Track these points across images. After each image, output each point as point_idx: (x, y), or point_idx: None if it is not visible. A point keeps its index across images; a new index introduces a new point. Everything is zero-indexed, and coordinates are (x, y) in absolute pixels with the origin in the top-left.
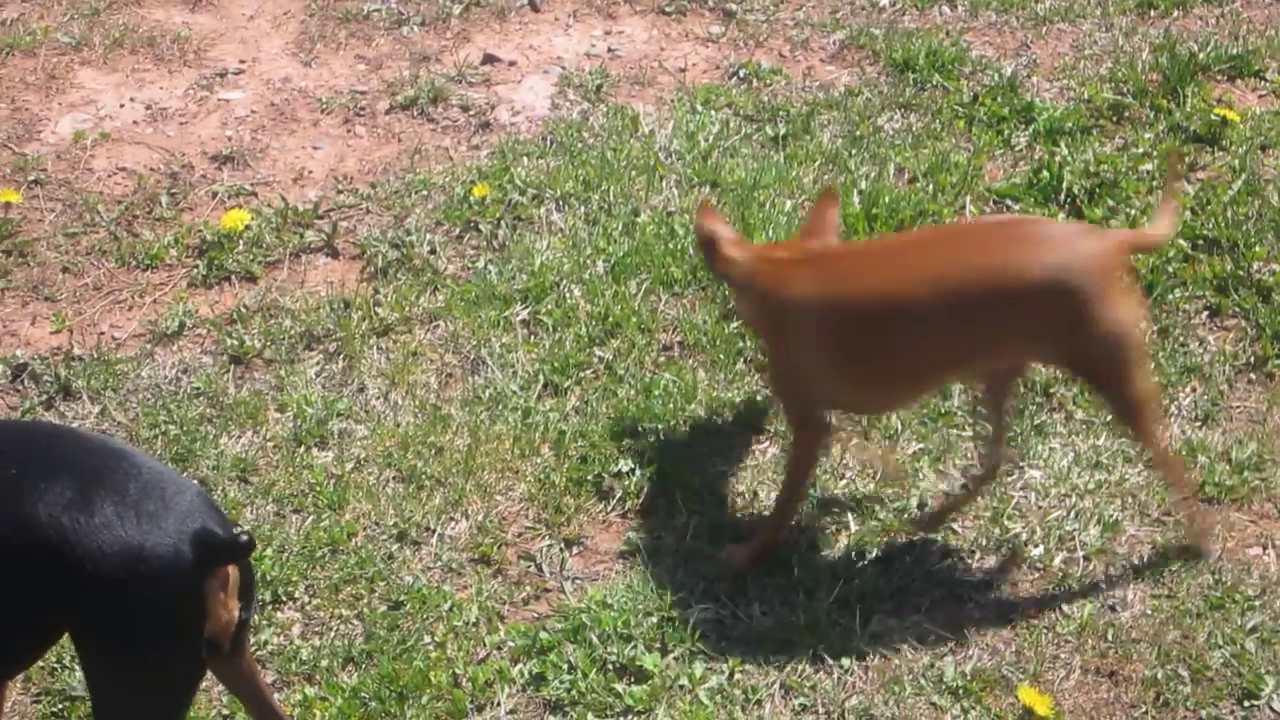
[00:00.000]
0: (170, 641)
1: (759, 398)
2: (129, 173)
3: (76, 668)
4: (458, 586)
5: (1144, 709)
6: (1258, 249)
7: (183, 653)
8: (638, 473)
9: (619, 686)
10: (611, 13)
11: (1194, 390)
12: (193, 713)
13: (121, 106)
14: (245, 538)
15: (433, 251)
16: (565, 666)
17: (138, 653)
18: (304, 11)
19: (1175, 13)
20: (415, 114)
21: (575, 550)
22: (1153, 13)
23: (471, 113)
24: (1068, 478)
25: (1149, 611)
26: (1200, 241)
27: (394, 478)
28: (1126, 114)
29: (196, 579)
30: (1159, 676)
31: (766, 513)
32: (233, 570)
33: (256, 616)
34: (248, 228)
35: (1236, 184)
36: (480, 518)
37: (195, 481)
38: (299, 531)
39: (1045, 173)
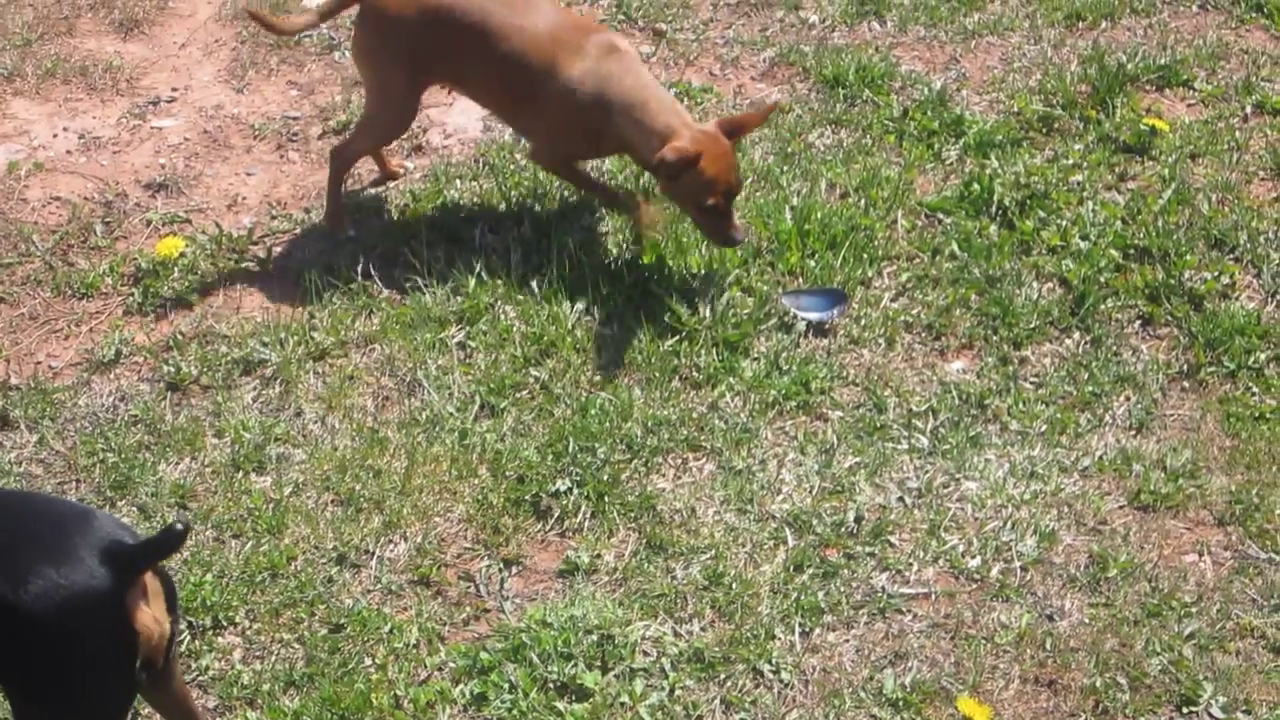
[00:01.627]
0: (100, 667)
1: (694, 414)
2: (63, 202)
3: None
4: (398, 609)
5: (1083, 717)
6: (1189, 258)
7: (115, 677)
8: (575, 492)
9: (560, 705)
10: None
11: (1128, 399)
12: None
13: (55, 136)
14: (180, 525)
15: (367, 275)
16: (506, 686)
17: (69, 687)
18: (235, 39)
19: (1103, 24)
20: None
21: (514, 570)
22: (1081, 24)
23: (404, 137)
24: (1004, 489)
25: (1087, 620)
26: (1132, 251)
27: (332, 501)
28: (1056, 125)
29: (117, 596)
30: (1098, 685)
31: (704, 528)
32: (152, 580)
33: (197, 642)
34: (182, 255)
35: (1167, 193)
36: (419, 539)
37: (89, 505)
38: (238, 556)
39: (976, 185)
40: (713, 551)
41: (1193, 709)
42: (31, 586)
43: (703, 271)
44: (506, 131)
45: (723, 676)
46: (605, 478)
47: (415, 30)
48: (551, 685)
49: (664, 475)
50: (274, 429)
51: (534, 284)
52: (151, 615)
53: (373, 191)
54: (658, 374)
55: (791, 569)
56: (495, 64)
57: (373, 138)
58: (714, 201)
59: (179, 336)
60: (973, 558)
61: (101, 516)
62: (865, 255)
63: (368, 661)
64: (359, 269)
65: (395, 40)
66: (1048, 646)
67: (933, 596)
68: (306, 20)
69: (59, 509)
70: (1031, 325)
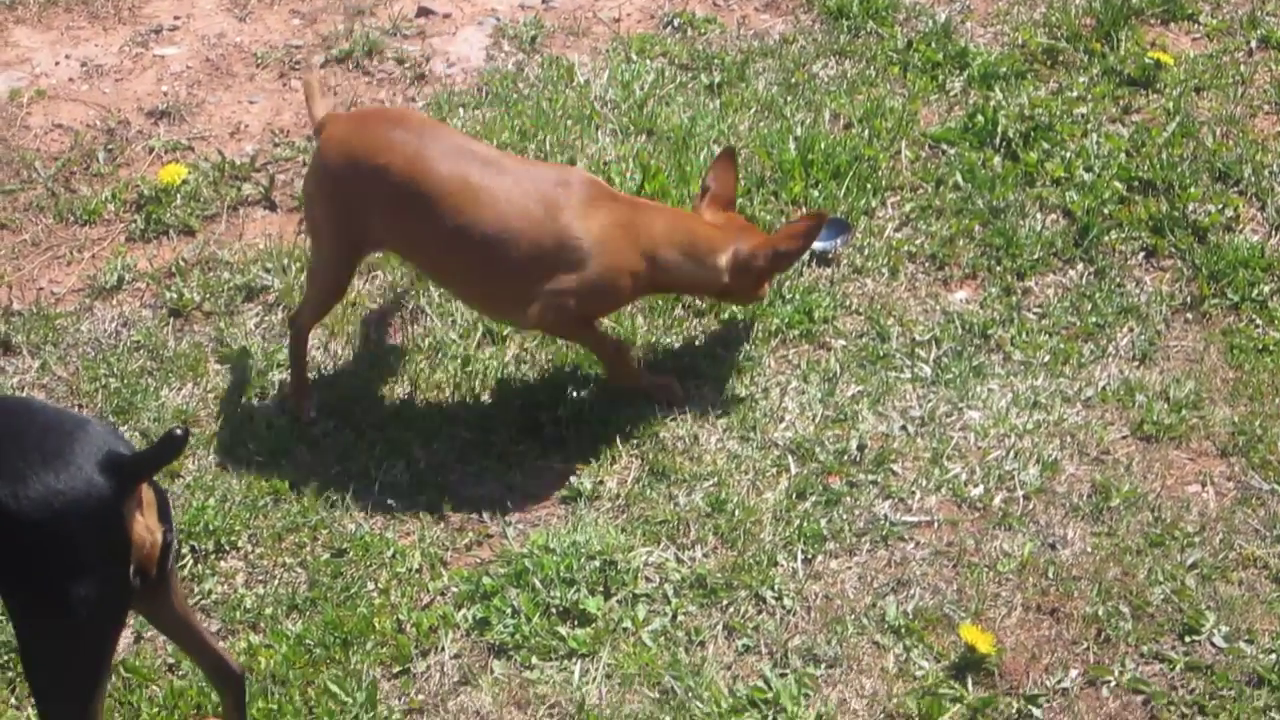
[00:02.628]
0: (96, 574)
1: (696, 342)
2: (65, 129)
3: None
4: (400, 533)
5: (1085, 645)
6: (1193, 190)
7: (110, 583)
8: (577, 418)
9: (562, 630)
10: None
11: (1131, 330)
12: (138, 662)
13: (57, 64)
14: (179, 432)
15: None
16: (509, 611)
17: (65, 591)
18: None
19: None
20: (350, 67)
21: (517, 496)
22: None
23: (407, 65)
24: (1006, 418)
25: (1089, 549)
26: (1136, 183)
27: (335, 426)
28: (1060, 58)
29: (115, 504)
30: (1100, 613)
31: (707, 455)
32: (146, 490)
33: (200, 566)
34: (185, 182)
35: (1171, 126)
36: (421, 465)
37: (93, 417)
38: (241, 481)
39: (980, 117)
40: (715, 478)
41: (1195, 638)
42: (31, 492)
43: None
44: (511, 60)
45: (725, 602)
46: (607, 405)
47: (356, 188)
48: (554, 610)
49: (665, 402)
50: (276, 355)
51: None
52: (144, 524)
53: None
54: (660, 302)
55: (794, 496)
56: (456, 238)
57: (310, 307)
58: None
59: (181, 263)
60: (975, 486)
61: (97, 425)
62: (869, 185)
63: (370, 586)
64: None
65: (332, 192)
66: (1050, 575)
67: (935, 524)
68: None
69: (56, 417)
70: (1035, 256)
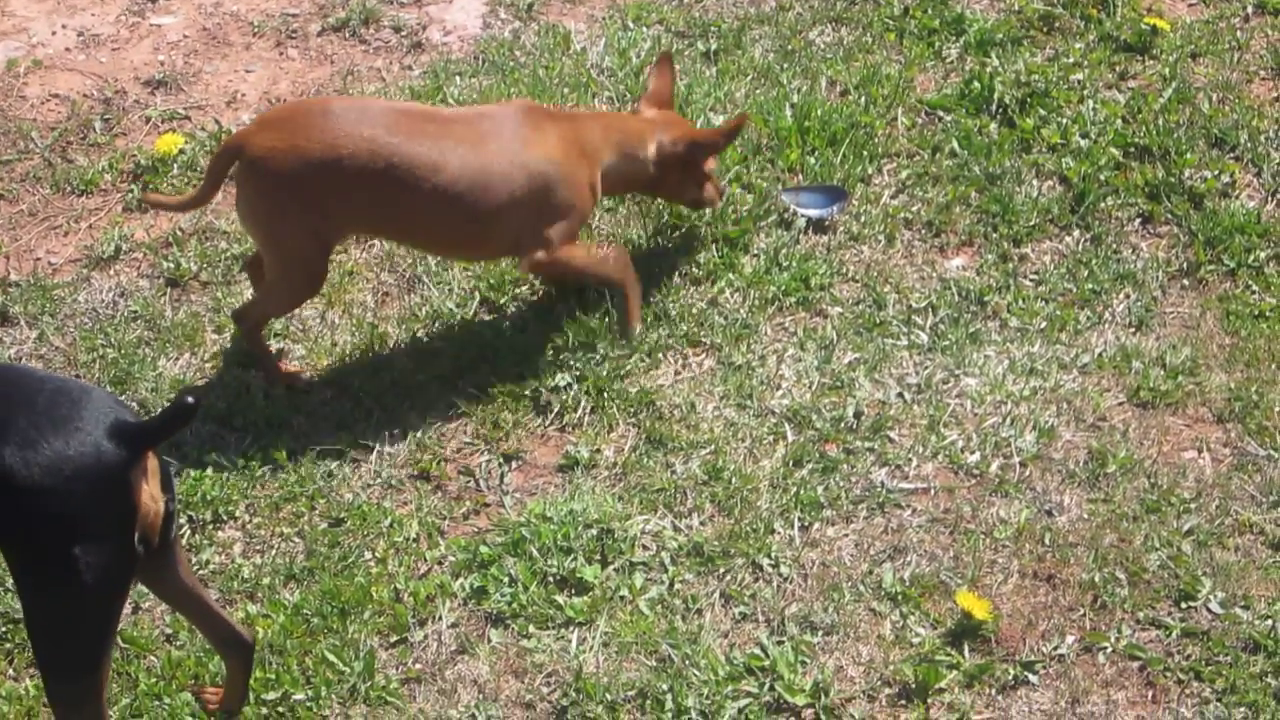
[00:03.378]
0: (103, 541)
1: (694, 310)
2: (62, 99)
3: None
4: (398, 503)
5: (1082, 611)
6: (1189, 156)
7: (116, 551)
8: (574, 387)
9: (560, 598)
10: None
11: (1127, 297)
12: (135, 632)
13: (53, 33)
14: (190, 399)
15: None
16: (506, 580)
17: (72, 558)
18: None
19: None
20: (347, 35)
21: (514, 465)
22: None
23: (403, 33)
24: (1003, 385)
25: (1085, 516)
26: (1132, 149)
27: (333, 396)
28: (1057, 24)
29: (123, 471)
30: (1096, 580)
31: (704, 423)
32: (151, 459)
33: (198, 536)
34: (182, 151)
35: (1167, 92)
36: (419, 434)
37: (97, 386)
38: (238, 451)
39: (976, 83)
40: (712, 446)
41: (1191, 604)
42: (41, 458)
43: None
44: (508, 27)
45: (722, 570)
46: (605, 373)
47: (314, 186)
48: (551, 579)
49: (664, 371)
50: (274, 324)
51: None
52: (149, 492)
53: (372, 88)
54: (657, 270)
55: (791, 464)
56: (436, 201)
57: (280, 305)
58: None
59: (178, 233)
60: (972, 453)
61: (101, 393)
62: (865, 152)
63: (368, 555)
64: None
65: (290, 200)
66: (1046, 541)
67: (932, 491)
68: (180, 200)
69: (63, 384)
70: (1031, 223)
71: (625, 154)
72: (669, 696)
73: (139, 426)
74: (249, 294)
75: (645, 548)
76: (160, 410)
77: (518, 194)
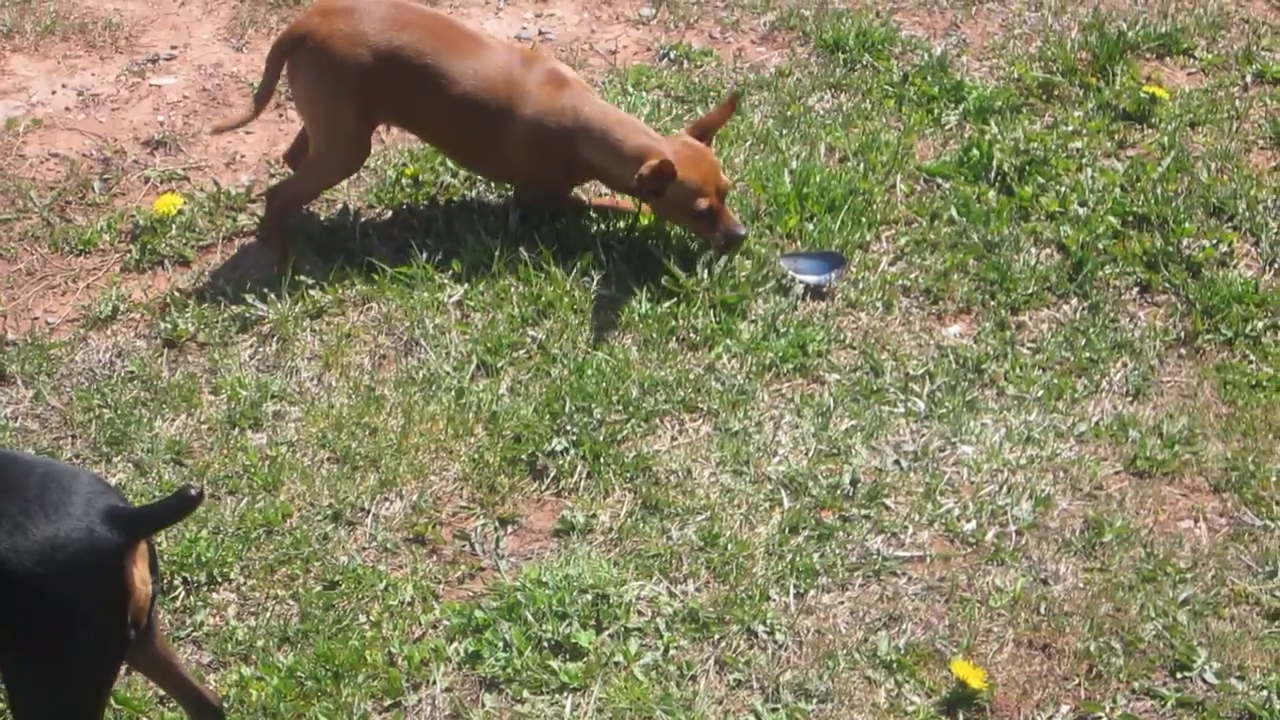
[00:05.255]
0: (96, 627)
1: (691, 376)
2: (61, 159)
3: None
4: (393, 566)
5: (1077, 681)
6: (1187, 225)
7: (109, 636)
8: (571, 451)
9: (554, 664)
10: None
11: (1125, 365)
12: (128, 693)
13: (53, 93)
14: (194, 491)
15: (365, 233)
16: (500, 644)
17: (64, 645)
18: None
19: None
20: None
21: (510, 529)
22: None
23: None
24: (1000, 453)
25: (1081, 585)
26: (1130, 218)
27: (328, 459)
28: (1056, 92)
29: (116, 558)
30: (1092, 649)
31: (700, 489)
32: (142, 544)
33: (192, 598)
34: (180, 212)
35: (1166, 161)
36: (415, 498)
37: (84, 469)
38: (234, 513)
39: (975, 151)
40: (708, 512)
41: (1186, 674)
42: (32, 545)
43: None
44: None
45: (717, 637)
46: (601, 438)
47: (363, 72)
48: (546, 644)
49: (660, 436)
50: (270, 386)
51: (532, 244)
52: (140, 576)
53: (374, 148)
54: (655, 335)
55: (787, 530)
56: (449, 108)
57: (321, 180)
58: (706, 204)
59: (176, 293)
60: (968, 521)
61: (89, 476)
62: (864, 219)
63: (362, 619)
64: (357, 227)
65: (342, 81)
66: (1042, 610)
67: (928, 559)
68: (244, 113)
69: (53, 468)
70: (1029, 291)
71: (610, 148)
72: None
73: (135, 513)
74: (246, 354)
75: (640, 613)
76: (161, 499)
77: (511, 131)
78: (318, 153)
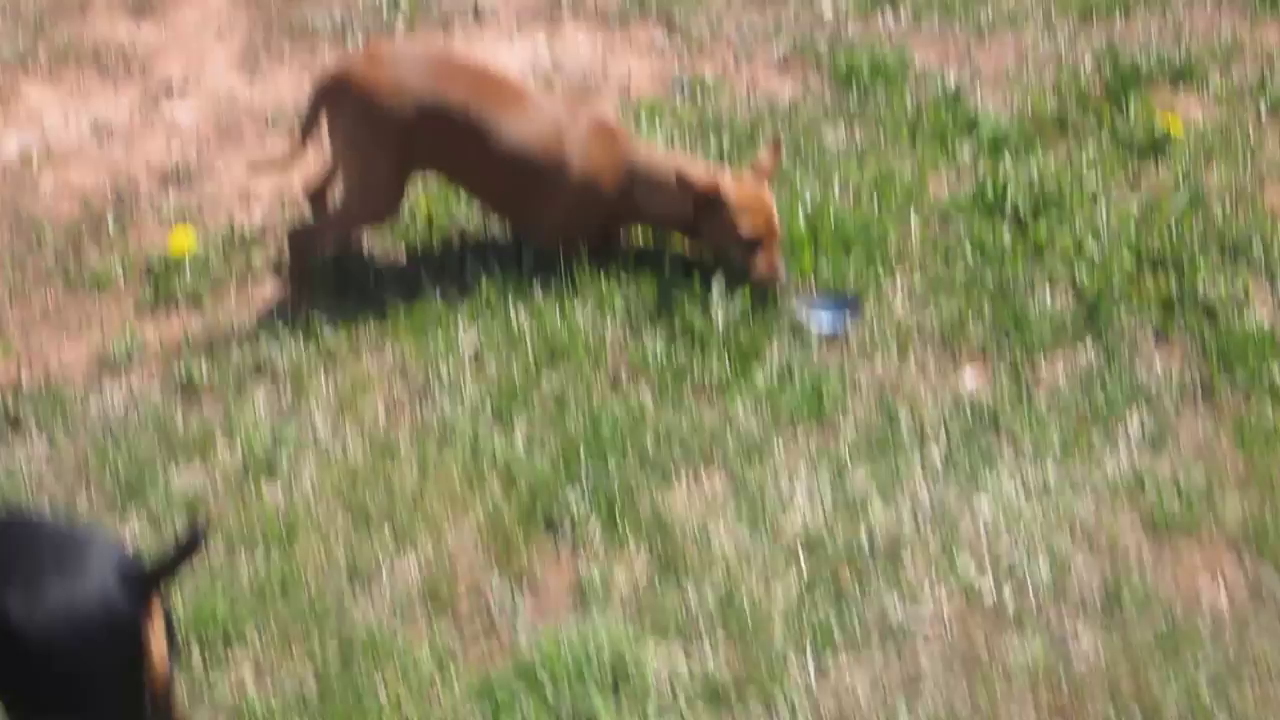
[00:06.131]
0: (113, 691)
1: (707, 424)
2: (75, 192)
3: None
4: (409, 630)
5: None
6: (1203, 266)
7: (127, 701)
8: (587, 504)
9: None
10: (555, 23)
11: (1141, 415)
12: None
13: (67, 123)
14: (201, 525)
15: (379, 274)
16: (518, 710)
17: (81, 709)
18: (249, 22)
19: (1118, 18)
20: None
21: (526, 588)
22: (1095, 18)
23: None
24: (1016, 508)
25: (1100, 648)
26: (1145, 257)
27: (344, 512)
28: (1070, 124)
29: (132, 617)
30: (1111, 715)
31: (717, 546)
32: (156, 605)
33: (207, 657)
34: (194, 250)
35: (1181, 198)
36: (430, 553)
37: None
38: (249, 568)
39: (989, 187)
40: (725, 572)
41: None
42: (48, 602)
43: (716, 275)
44: None
45: (736, 706)
46: (617, 491)
47: (405, 122)
48: (563, 712)
49: (676, 490)
50: (285, 434)
51: (546, 285)
52: (157, 640)
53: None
54: (670, 382)
55: (804, 590)
56: (494, 162)
57: (350, 224)
58: (752, 230)
59: (190, 337)
60: (985, 580)
61: (104, 535)
62: (878, 257)
63: (379, 686)
64: (371, 270)
65: (382, 129)
66: (1062, 675)
67: (945, 621)
68: (283, 156)
69: (65, 529)
70: (1045, 336)
71: (661, 185)
72: None
73: (146, 568)
74: (261, 402)
75: (658, 678)
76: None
77: (552, 185)
78: (349, 198)
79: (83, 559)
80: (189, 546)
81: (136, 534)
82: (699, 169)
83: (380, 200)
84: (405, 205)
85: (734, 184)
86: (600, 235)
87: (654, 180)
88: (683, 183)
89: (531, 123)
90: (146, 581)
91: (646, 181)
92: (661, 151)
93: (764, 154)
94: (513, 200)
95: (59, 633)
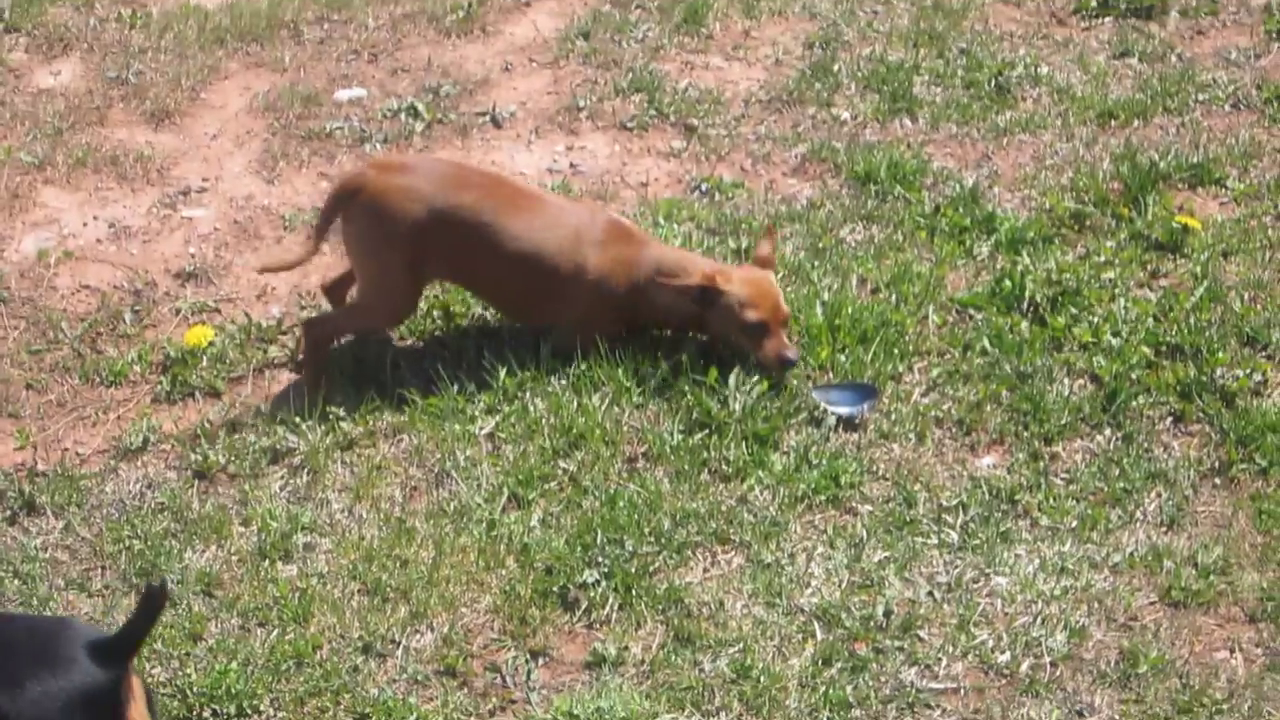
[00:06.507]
0: None
1: (723, 508)
2: (92, 290)
3: None
4: (423, 699)
5: None
6: (1220, 355)
7: None
8: (603, 583)
9: None
10: (573, 128)
11: (1159, 495)
12: None
13: (85, 225)
14: (157, 584)
15: (396, 365)
16: None
17: None
18: (266, 130)
19: (1135, 123)
20: None
21: (541, 661)
22: (1113, 123)
23: None
24: (1034, 584)
25: (1118, 717)
26: (1163, 348)
27: (359, 590)
28: (1088, 223)
29: (111, 693)
30: None
31: (732, 621)
32: (136, 682)
33: None
34: (211, 344)
35: (1199, 291)
36: (445, 630)
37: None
38: (264, 644)
39: (1008, 281)
40: (740, 644)
41: None
42: (29, 693)
43: (735, 367)
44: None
45: None
46: (633, 570)
47: (418, 228)
48: None
49: (692, 568)
50: (300, 518)
51: (563, 375)
52: (140, 711)
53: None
54: (686, 466)
55: (820, 662)
56: (510, 268)
57: (364, 324)
58: (756, 318)
59: (207, 425)
60: (1002, 653)
61: (75, 622)
62: (896, 350)
63: None
64: (388, 359)
65: (395, 234)
66: None
67: (962, 692)
68: (294, 255)
69: (36, 619)
70: (1063, 421)
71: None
72: None
73: (115, 638)
74: (277, 486)
75: None
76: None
77: (569, 288)
78: (364, 299)
79: (56, 643)
80: (151, 608)
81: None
82: (701, 264)
83: (393, 304)
84: (422, 301)
85: (734, 272)
86: (618, 336)
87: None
88: (680, 280)
89: (547, 225)
90: (117, 651)
91: (654, 281)
92: (677, 252)
93: (762, 241)
94: (529, 305)
95: (46, 715)
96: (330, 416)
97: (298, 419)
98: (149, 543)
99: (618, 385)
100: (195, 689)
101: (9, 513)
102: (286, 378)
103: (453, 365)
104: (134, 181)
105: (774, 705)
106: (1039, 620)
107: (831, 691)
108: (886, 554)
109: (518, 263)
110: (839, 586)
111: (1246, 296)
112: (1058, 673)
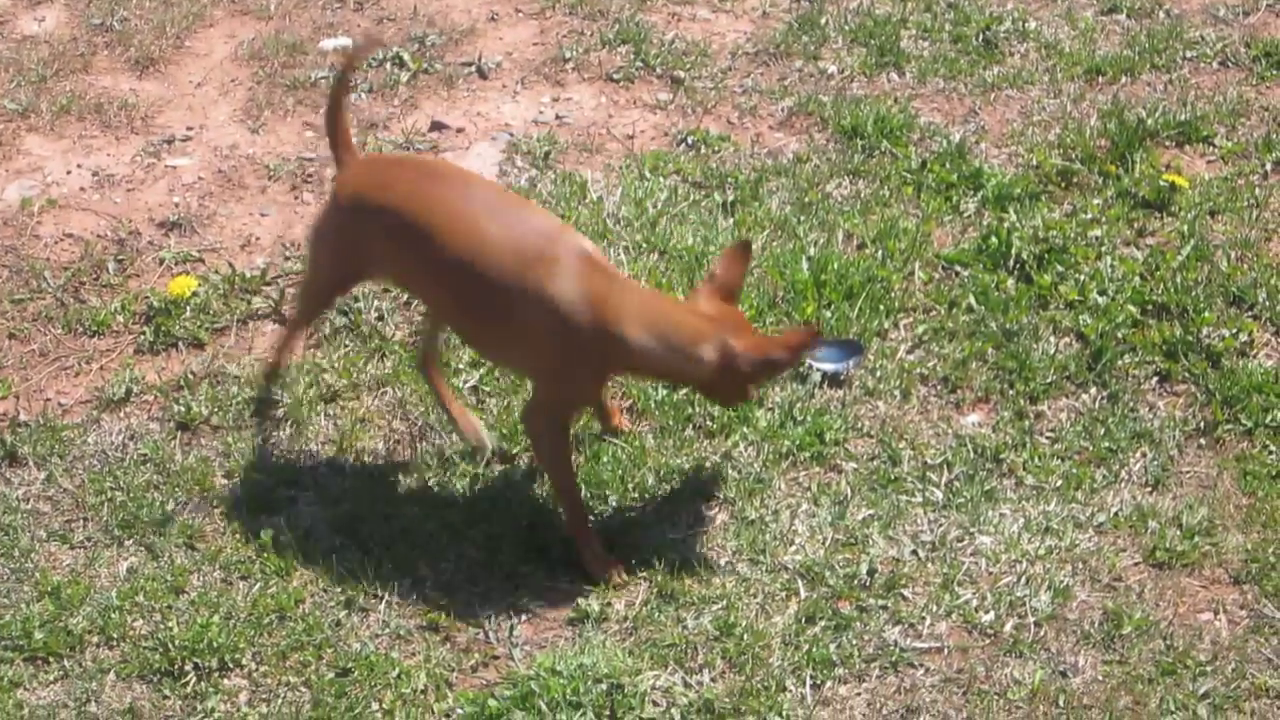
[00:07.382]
0: None
1: (707, 464)
2: (76, 239)
3: None
4: (406, 653)
5: None
6: (1207, 314)
7: None
8: None
9: None
10: (559, 80)
11: (1144, 456)
12: None
13: (68, 173)
14: None
15: (380, 318)
16: None
17: None
18: (251, 79)
19: (1123, 79)
20: None
21: (524, 617)
22: (1100, 79)
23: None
24: (1018, 543)
25: (1100, 677)
26: (1149, 307)
27: (341, 544)
28: (1075, 180)
29: None
30: None
31: (716, 578)
32: None
33: (203, 684)
34: (195, 294)
35: (1185, 250)
36: (428, 584)
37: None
38: (246, 598)
39: (994, 238)
40: (724, 602)
41: None
42: None
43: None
44: (525, 175)
45: None
46: (617, 526)
47: (352, 226)
48: None
49: (676, 525)
50: (283, 471)
51: None
52: None
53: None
54: (671, 422)
55: (803, 620)
56: (450, 275)
57: (298, 315)
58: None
59: (190, 376)
60: (986, 612)
61: None
62: (882, 307)
63: (375, 707)
64: (371, 311)
65: (327, 231)
66: (1061, 703)
67: (945, 651)
68: None
69: None
70: (1048, 380)
71: (669, 344)
72: None
73: None
74: (259, 439)
75: (655, 704)
76: None
77: (528, 325)
78: (298, 290)
79: None
80: None
81: (134, 567)
82: (698, 322)
83: (309, 303)
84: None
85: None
86: (590, 403)
87: (663, 336)
88: (702, 349)
89: (504, 242)
90: None
91: (652, 336)
92: (658, 299)
93: (727, 261)
94: (473, 328)
95: None
96: (314, 368)
97: (282, 371)
98: (131, 495)
99: None
100: (177, 642)
101: None
102: (270, 329)
103: None
104: (118, 130)
105: (757, 663)
106: (1023, 580)
107: (815, 650)
108: (871, 512)
109: (454, 272)
110: (823, 544)
111: (1233, 256)
112: (1041, 633)
